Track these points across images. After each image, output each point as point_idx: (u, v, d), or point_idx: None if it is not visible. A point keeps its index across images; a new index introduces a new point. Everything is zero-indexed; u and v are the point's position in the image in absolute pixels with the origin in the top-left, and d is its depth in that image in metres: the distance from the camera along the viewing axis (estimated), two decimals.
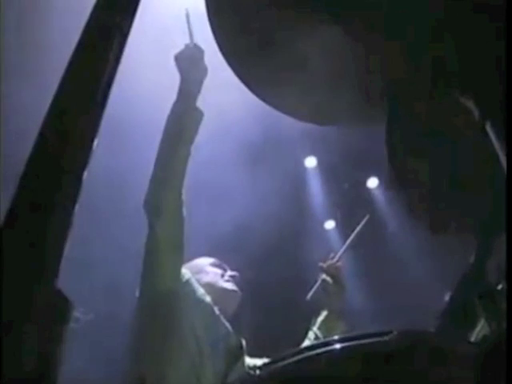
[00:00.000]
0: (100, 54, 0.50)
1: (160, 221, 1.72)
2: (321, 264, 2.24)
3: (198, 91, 1.87)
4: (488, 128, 0.55)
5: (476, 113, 0.58)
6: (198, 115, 1.85)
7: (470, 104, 0.59)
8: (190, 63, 1.86)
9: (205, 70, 1.88)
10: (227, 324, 1.80)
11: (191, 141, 1.82)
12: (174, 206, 1.73)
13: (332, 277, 2.19)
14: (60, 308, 0.40)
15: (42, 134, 0.45)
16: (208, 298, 1.80)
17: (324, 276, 2.20)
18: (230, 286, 1.92)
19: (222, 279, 1.94)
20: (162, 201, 1.72)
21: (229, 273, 1.99)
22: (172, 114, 1.82)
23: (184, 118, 1.81)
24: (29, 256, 0.40)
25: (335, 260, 2.25)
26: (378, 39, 0.79)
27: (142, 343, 1.70)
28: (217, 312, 1.79)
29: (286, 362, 0.69)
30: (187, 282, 1.78)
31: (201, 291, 1.81)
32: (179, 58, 1.87)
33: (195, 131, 1.83)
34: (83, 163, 0.45)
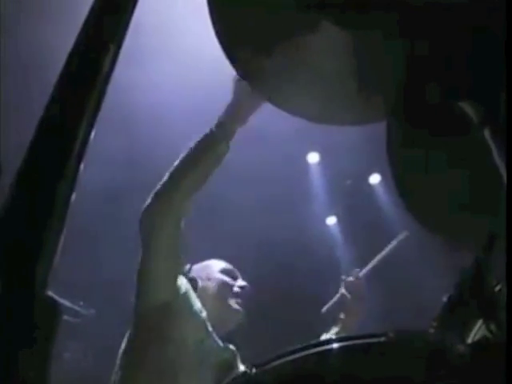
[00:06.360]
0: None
1: (155, 235, 1.68)
2: (343, 277, 2.16)
3: (240, 126, 1.73)
4: (486, 134, 0.55)
5: (475, 119, 0.58)
6: (225, 150, 1.73)
7: (470, 110, 0.58)
8: (247, 91, 1.62)
9: (258, 102, 1.65)
10: (219, 341, 1.78)
11: (208, 172, 1.73)
12: (170, 220, 1.69)
13: (352, 293, 2.11)
14: (49, 314, 0.40)
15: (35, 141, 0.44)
16: (203, 314, 1.77)
17: (343, 291, 2.12)
18: (235, 304, 1.87)
19: (230, 293, 1.89)
20: (158, 215, 1.68)
21: (239, 282, 1.93)
22: (204, 141, 1.71)
23: (212, 150, 1.71)
24: (18, 261, 0.39)
25: (358, 276, 2.15)
26: (379, 41, 0.78)
27: (133, 351, 1.69)
28: (210, 328, 1.76)
29: (281, 360, 0.69)
30: (184, 295, 1.75)
31: (197, 306, 1.77)
32: (236, 81, 1.68)
33: (216, 166, 1.73)
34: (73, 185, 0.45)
